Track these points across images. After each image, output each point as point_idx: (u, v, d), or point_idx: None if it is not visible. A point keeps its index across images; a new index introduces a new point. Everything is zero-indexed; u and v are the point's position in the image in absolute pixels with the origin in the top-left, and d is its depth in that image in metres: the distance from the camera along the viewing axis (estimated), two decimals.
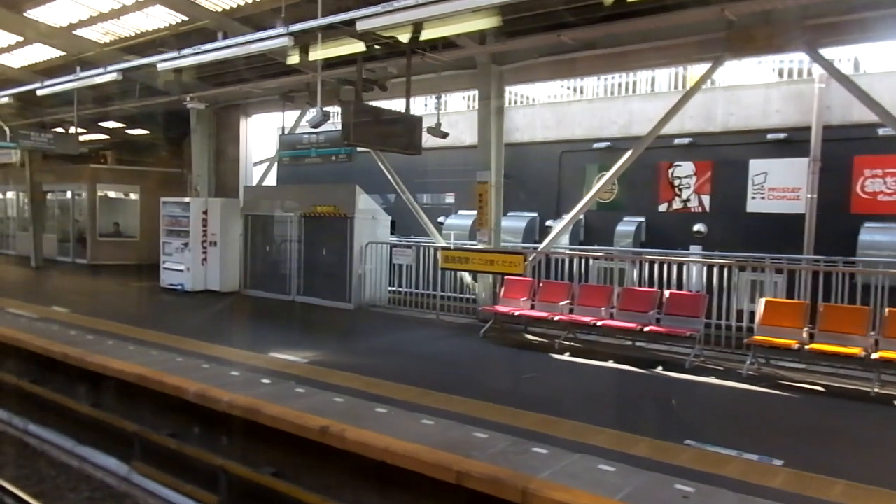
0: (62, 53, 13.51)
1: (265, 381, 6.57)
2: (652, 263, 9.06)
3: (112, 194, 21.36)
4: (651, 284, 8.90)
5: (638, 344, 8.61)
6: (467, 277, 10.76)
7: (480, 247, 10.07)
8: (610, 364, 7.77)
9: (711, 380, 7.10)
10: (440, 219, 13.22)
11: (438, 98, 9.95)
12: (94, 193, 19.97)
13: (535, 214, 12.25)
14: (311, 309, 11.56)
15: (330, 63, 11.39)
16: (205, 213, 13.22)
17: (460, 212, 13.23)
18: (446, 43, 9.22)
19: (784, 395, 6.60)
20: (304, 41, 7.23)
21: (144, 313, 11.27)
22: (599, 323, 8.19)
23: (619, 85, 12.33)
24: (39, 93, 11.50)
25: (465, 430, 5.19)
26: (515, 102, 13.32)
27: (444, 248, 10.40)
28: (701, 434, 5.17)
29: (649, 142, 8.84)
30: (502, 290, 9.50)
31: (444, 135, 9.28)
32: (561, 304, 8.74)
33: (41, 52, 14.09)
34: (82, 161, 23.79)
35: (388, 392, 6.21)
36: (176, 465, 6.37)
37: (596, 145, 11.56)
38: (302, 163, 12.52)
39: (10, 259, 21.24)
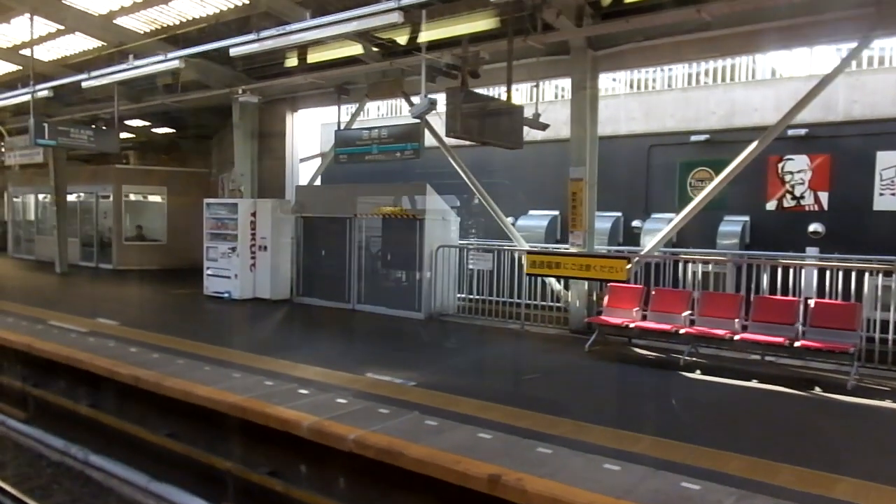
0: (98, 45, 12.59)
1: (383, 410, 5.61)
2: (750, 267, 8.13)
3: (139, 197, 20.44)
4: (750, 291, 7.96)
5: (768, 359, 7.66)
6: (555, 284, 9.80)
7: (573, 250, 9.13)
8: (756, 384, 6.80)
9: (889, 404, 6.14)
10: (508, 219, 12.23)
11: (536, 86, 8.91)
12: (120, 195, 19.05)
13: (618, 214, 11.30)
14: (378, 319, 10.60)
15: (399, 51, 10.52)
16: (253, 214, 12.28)
17: (531, 212, 12.28)
18: (544, 25, 8.29)
19: None
20: (412, 17, 6.29)
21: (201, 325, 10.29)
22: (736, 337, 7.23)
23: (708, 72, 11.37)
24: (85, 84, 10.54)
25: (665, 478, 4.23)
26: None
27: (529, 252, 9.45)
28: None
29: (778, 132, 7.89)
30: (606, 298, 8.54)
31: (544, 127, 8.33)
32: (683, 314, 7.78)
33: (73, 45, 13.17)
34: (106, 161, 22.91)
35: (539, 426, 5.24)
36: None
37: (693, 138, 10.58)
38: (362, 160, 11.62)
39: (30, 264, 20.25)
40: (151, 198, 21.23)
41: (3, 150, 19.64)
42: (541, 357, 8.20)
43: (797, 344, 6.87)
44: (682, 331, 7.60)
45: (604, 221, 11.01)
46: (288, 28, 7.15)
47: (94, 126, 11.66)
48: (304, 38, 7.14)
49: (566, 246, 9.69)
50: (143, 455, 6.57)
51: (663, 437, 5.02)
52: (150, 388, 6.52)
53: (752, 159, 8.05)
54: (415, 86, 11.17)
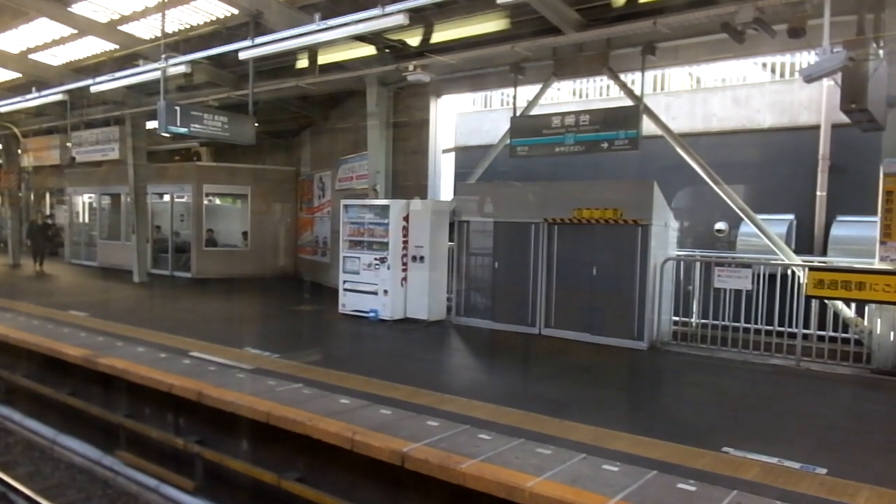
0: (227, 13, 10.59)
1: None
2: None
3: (213, 199, 18.54)
4: None
5: None
6: (846, 310, 7.68)
7: (886, 266, 7.04)
8: None
9: None
10: (719, 225, 10.15)
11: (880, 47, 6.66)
12: (201, 196, 17.13)
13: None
14: (587, 349, 8.48)
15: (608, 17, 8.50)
16: (405, 218, 10.24)
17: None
18: None
19: None
20: None
21: (387, 359, 8.06)
22: None
23: None
24: (242, 55, 8.55)
25: None
26: None
27: (813, 269, 7.35)
28: None
29: None
30: None
31: None
32: None
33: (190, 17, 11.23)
34: (179, 159, 21.00)
35: None
36: None
37: None
38: (550, 153, 9.58)
39: (97, 273, 18.29)
40: (225, 199, 19.38)
41: (69, 145, 17.83)
42: None
43: None
44: None
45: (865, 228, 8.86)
46: None
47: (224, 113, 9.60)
48: None
49: (862, 261, 7.65)
50: None
51: None
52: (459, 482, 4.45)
53: None
54: (622, 60, 9.16)
